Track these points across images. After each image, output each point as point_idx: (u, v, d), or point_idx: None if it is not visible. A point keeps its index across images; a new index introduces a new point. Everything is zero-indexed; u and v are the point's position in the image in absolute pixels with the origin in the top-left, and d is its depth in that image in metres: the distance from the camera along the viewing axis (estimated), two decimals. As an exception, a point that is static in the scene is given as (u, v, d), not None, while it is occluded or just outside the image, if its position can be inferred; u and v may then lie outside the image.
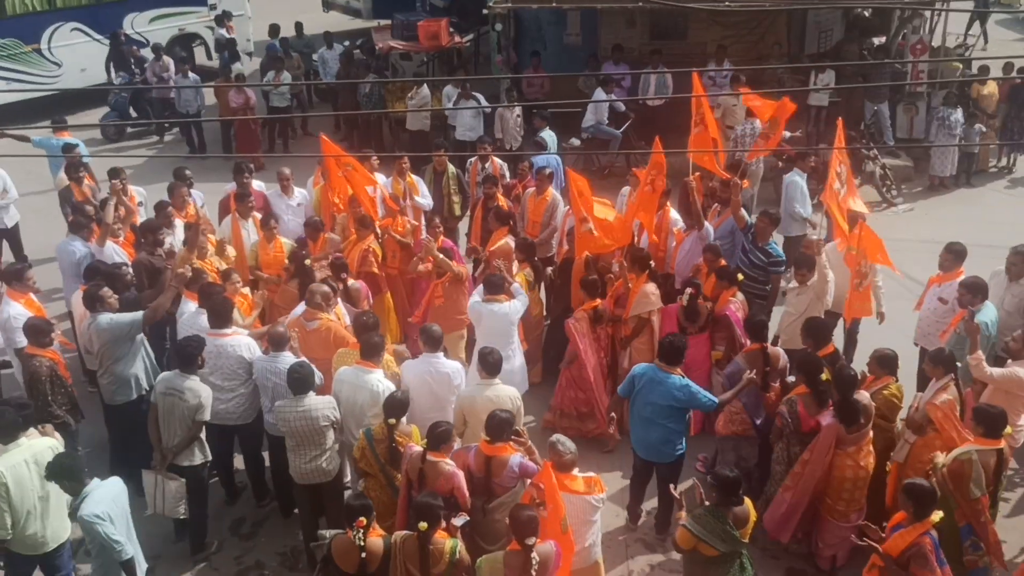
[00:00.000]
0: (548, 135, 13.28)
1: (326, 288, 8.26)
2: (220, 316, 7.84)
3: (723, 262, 9.14)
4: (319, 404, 7.08)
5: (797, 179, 11.41)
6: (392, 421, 6.74)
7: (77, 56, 17.89)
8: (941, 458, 6.65)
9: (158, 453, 7.37)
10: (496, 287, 8.61)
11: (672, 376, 7.34)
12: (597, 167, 15.39)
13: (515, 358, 8.71)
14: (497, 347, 7.74)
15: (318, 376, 7.31)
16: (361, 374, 7.26)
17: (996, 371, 7.43)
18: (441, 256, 9.32)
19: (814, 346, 7.76)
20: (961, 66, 16.92)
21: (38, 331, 7.62)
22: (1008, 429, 6.70)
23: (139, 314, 7.90)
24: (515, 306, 8.64)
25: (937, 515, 5.98)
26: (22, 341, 7.94)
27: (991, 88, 15.79)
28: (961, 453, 6.57)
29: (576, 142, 14.98)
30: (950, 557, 6.26)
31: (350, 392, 7.26)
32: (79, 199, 10.84)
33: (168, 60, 17.45)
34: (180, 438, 7.28)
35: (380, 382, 7.24)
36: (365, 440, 6.83)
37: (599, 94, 14.93)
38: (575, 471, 6.51)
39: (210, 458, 7.58)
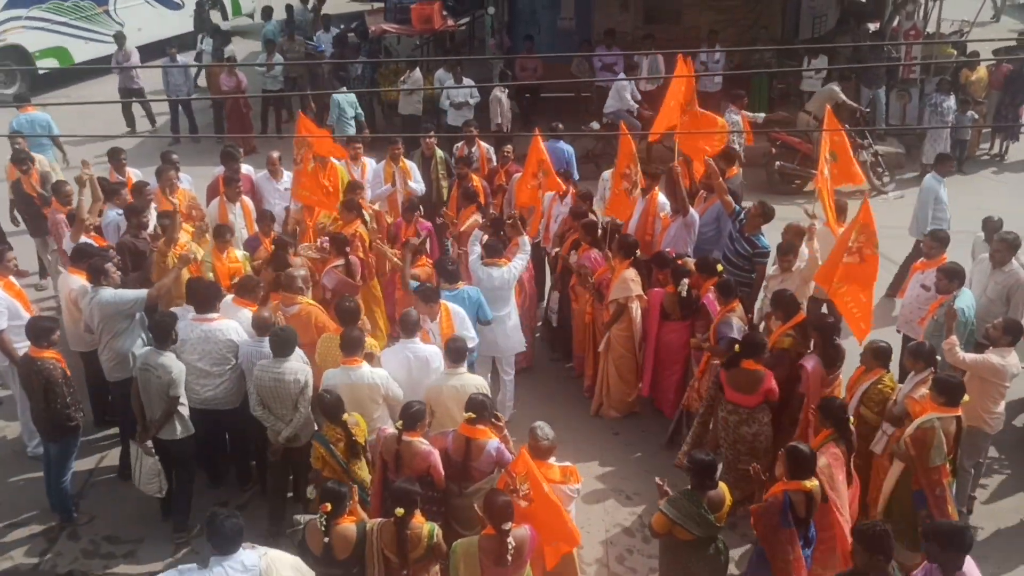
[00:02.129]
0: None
1: (304, 271, 8.26)
2: (206, 300, 7.80)
3: (681, 263, 8.98)
4: (295, 367, 7.20)
5: (934, 183, 10.91)
6: (345, 417, 6.73)
7: (134, 17, 20.32)
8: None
9: (140, 426, 7.46)
10: (495, 251, 8.79)
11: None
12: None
13: (510, 319, 8.78)
14: (494, 309, 8.23)
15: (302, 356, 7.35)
16: (349, 372, 7.22)
17: (968, 357, 7.43)
18: (386, 249, 9.26)
19: (784, 317, 7.83)
20: (956, 52, 16.84)
21: (41, 332, 7.41)
22: (966, 398, 6.79)
23: (143, 292, 7.91)
24: (512, 270, 8.81)
25: (812, 483, 6.14)
26: (1, 324, 7.95)
27: (980, 74, 15.73)
28: (924, 421, 6.65)
29: (596, 126, 14.96)
30: (901, 520, 6.65)
31: (347, 392, 7.17)
32: (29, 192, 10.78)
33: (131, 49, 17.34)
34: (159, 413, 7.34)
35: (372, 373, 7.24)
36: (322, 447, 6.77)
37: (622, 83, 14.82)
38: (551, 459, 6.53)
39: (192, 431, 7.55)
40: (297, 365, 7.28)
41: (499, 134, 13.81)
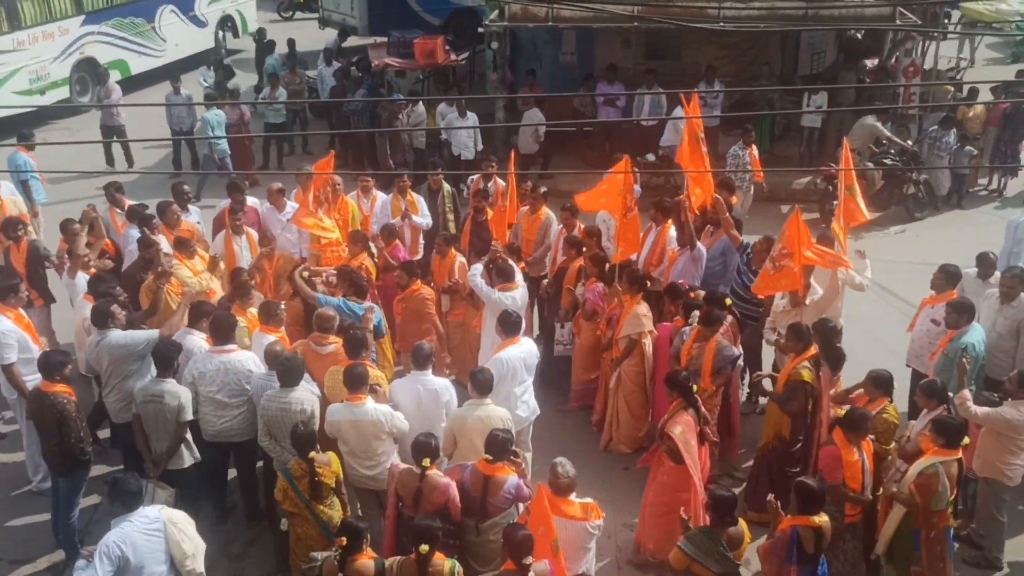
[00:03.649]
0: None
1: (332, 311, 8.21)
2: (223, 332, 7.78)
3: (692, 295, 9.00)
4: (301, 397, 7.20)
5: None
6: (312, 455, 6.67)
7: (173, 33, 22.24)
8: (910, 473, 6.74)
9: (149, 462, 7.40)
10: (507, 275, 8.93)
11: None
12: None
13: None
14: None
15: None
16: (353, 408, 7.17)
17: (981, 411, 7.32)
18: (302, 286, 9.10)
19: (801, 349, 7.84)
20: (952, 89, 17.03)
21: (54, 366, 7.34)
22: (966, 440, 6.81)
23: (154, 333, 7.87)
24: (523, 293, 9.06)
25: (822, 519, 6.15)
26: (10, 357, 7.92)
27: (977, 110, 15.90)
28: (926, 467, 6.64)
29: (652, 158, 15.00)
30: (903, 561, 6.88)
31: (351, 428, 7.17)
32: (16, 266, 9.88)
33: (112, 85, 17.50)
34: (168, 443, 7.29)
35: (376, 409, 7.19)
36: (285, 480, 6.74)
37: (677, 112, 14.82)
38: (572, 496, 6.49)
39: (199, 459, 7.55)
40: (304, 395, 7.26)
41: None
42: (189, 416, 7.34)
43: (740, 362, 8.74)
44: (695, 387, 7.46)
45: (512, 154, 10.74)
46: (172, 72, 17.98)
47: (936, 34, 16.38)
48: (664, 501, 7.39)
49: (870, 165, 14.62)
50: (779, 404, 7.81)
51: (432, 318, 9.37)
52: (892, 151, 14.82)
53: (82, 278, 9.11)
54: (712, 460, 7.88)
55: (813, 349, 7.91)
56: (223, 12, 24.05)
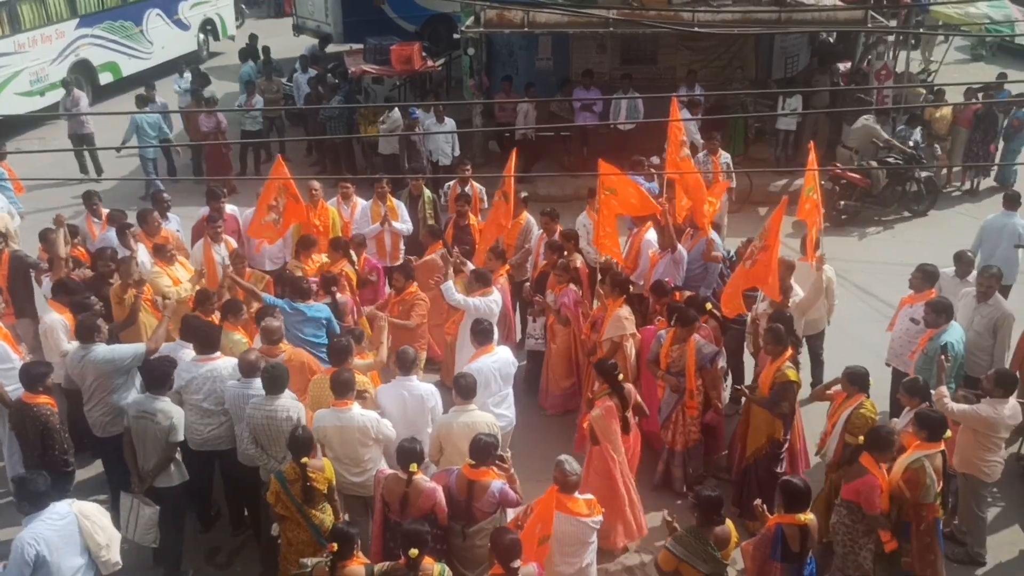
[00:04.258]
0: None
1: (277, 323, 8.13)
2: (208, 341, 7.76)
3: (677, 296, 9.11)
4: (287, 405, 7.16)
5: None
6: (304, 460, 6.64)
7: (159, 36, 22.92)
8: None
9: (135, 476, 7.32)
10: (486, 280, 8.99)
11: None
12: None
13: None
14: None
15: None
16: (339, 414, 7.15)
17: (958, 408, 7.41)
18: (245, 285, 9.15)
19: (779, 352, 7.87)
20: (924, 91, 17.27)
21: (36, 377, 7.31)
22: (947, 433, 6.90)
23: (141, 347, 7.80)
24: (499, 298, 9.13)
25: (808, 516, 6.22)
26: None
27: (944, 112, 16.12)
28: (912, 461, 6.72)
29: (657, 161, 15.01)
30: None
31: (336, 433, 7.15)
32: None
33: (79, 94, 17.51)
34: (155, 460, 7.22)
35: (362, 415, 7.17)
36: (278, 483, 6.72)
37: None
38: (575, 493, 6.55)
39: (187, 478, 7.49)
40: (289, 403, 7.24)
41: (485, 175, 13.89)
42: (180, 437, 7.26)
43: (723, 363, 8.80)
44: (621, 374, 7.70)
45: (513, 153, 10.68)
46: (159, 74, 19.35)
47: (907, 37, 16.62)
48: (597, 485, 7.47)
49: (874, 164, 14.80)
50: (769, 408, 7.80)
51: (424, 321, 9.41)
52: (893, 151, 15.01)
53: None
54: (640, 447, 8.16)
55: (791, 350, 7.98)
56: (204, 15, 24.80)
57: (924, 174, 15.24)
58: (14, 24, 18.45)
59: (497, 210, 10.59)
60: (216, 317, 8.53)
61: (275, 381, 7.20)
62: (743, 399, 8.47)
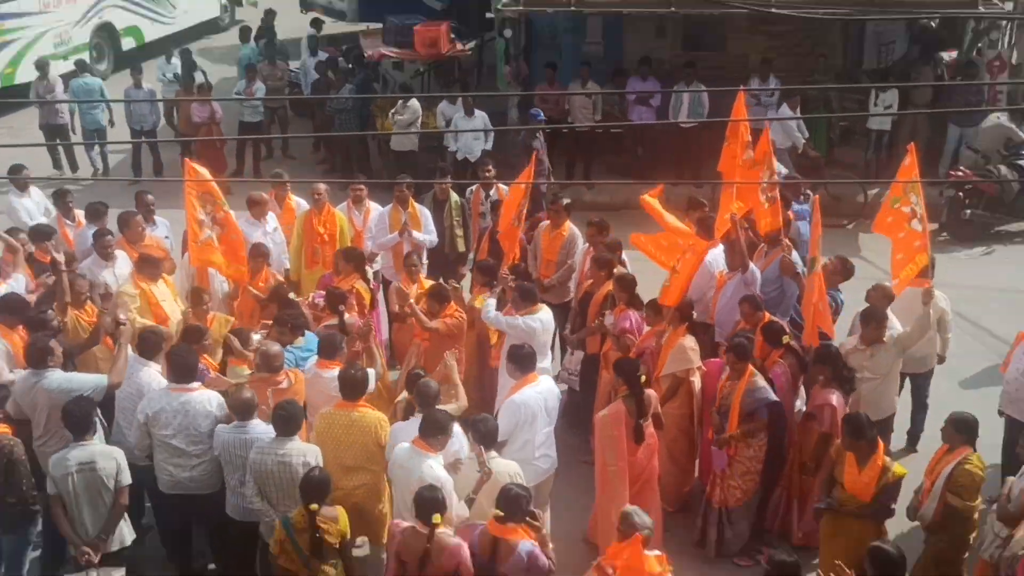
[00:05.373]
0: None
1: (277, 347, 8.18)
2: (184, 369, 7.71)
3: (767, 316, 9.04)
4: (302, 448, 7.16)
5: None
6: (315, 507, 6.63)
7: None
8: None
9: (80, 550, 7.05)
10: (531, 297, 9.07)
11: None
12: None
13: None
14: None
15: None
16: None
17: None
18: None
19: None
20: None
21: None
22: None
23: (102, 379, 7.80)
24: (550, 316, 9.27)
25: None
26: None
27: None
28: None
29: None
30: None
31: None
32: None
33: (55, 78, 17.58)
34: (106, 518, 7.12)
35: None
36: (283, 531, 6.70)
37: (784, 111, 15.08)
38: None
39: (135, 535, 7.46)
40: (304, 445, 7.22)
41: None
42: (128, 479, 7.19)
43: (803, 407, 8.68)
44: (644, 377, 7.89)
45: (532, 156, 10.70)
46: (181, 40, 21.48)
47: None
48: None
49: (1003, 169, 14.66)
50: (874, 517, 7.57)
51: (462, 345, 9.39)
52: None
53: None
54: (658, 462, 8.27)
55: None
56: None
57: None
58: None
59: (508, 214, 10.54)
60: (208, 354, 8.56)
61: (289, 421, 7.13)
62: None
